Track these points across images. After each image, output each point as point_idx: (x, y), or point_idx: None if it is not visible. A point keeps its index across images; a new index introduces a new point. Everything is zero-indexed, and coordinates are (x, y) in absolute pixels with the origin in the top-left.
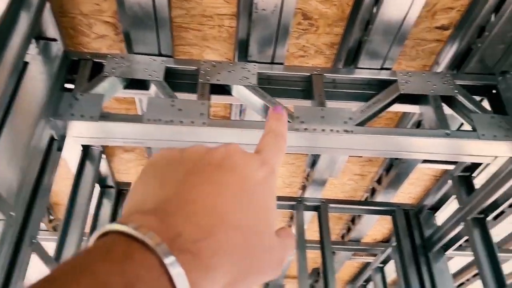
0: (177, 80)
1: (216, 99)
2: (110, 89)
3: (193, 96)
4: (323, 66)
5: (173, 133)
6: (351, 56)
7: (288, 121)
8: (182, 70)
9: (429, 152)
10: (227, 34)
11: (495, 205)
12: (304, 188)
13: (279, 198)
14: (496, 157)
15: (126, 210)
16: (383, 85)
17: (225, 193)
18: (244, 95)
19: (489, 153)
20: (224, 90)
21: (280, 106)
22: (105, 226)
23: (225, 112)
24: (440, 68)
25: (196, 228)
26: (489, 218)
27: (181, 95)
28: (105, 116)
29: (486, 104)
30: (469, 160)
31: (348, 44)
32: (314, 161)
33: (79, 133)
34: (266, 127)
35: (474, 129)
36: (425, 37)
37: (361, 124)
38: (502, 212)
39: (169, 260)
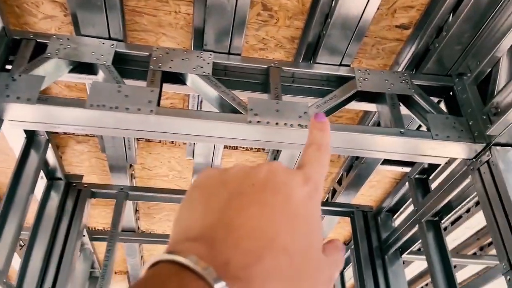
0: (128, 66)
1: (169, 88)
2: (53, 72)
3: (144, 84)
4: (283, 60)
5: (118, 121)
6: (310, 50)
7: (240, 113)
8: (133, 56)
9: (385, 151)
10: (184, 22)
11: (449, 207)
12: None
13: None
14: (449, 158)
15: (174, 236)
16: (341, 81)
17: (270, 215)
18: (198, 84)
19: (442, 153)
20: (178, 79)
21: (322, 113)
22: (156, 256)
23: (183, 105)
24: (400, 68)
25: (244, 254)
26: (446, 222)
27: (132, 82)
28: (44, 100)
29: (443, 106)
30: (423, 160)
31: (308, 39)
32: (274, 159)
33: (16, 116)
34: (309, 137)
35: (428, 129)
36: (385, 35)
37: None
38: (460, 217)
39: (218, 285)
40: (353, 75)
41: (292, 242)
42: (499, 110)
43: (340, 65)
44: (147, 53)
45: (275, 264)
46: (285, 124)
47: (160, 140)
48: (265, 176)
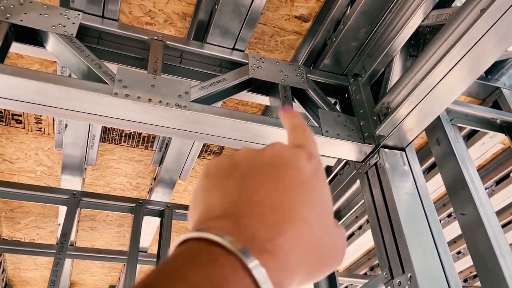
0: None
1: (23, 50)
2: None
3: None
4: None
5: None
6: (202, 29)
7: (106, 83)
8: None
9: None
10: None
11: (338, 216)
12: (151, 191)
13: (118, 199)
14: (337, 159)
15: (196, 218)
16: (235, 68)
17: (285, 189)
18: (58, 47)
19: (331, 153)
20: (35, 39)
21: (289, 105)
22: (185, 234)
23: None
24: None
25: (268, 227)
26: None
27: None
28: None
29: (338, 108)
30: None
31: (200, 15)
32: (162, 157)
33: None
34: (288, 125)
35: (319, 125)
36: (284, 26)
37: (199, 102)
38: (352, 234)
39: (251, 262)
40: (247, 61)
41: (310, 213)
42: (389, 110)
43: (234, 49)
44: None
45: (297, 235)
46: (160, 102)
47: (24, 126)
48: (272, 154)
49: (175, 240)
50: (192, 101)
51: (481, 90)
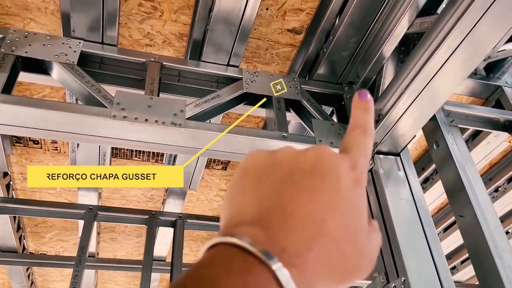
0: None
1: (31, 78)
2: None
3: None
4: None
5: None
6: (197, 48)
7: (105, 107)
8: None
9: None
10: (54, 6)
11: None
12: (164, 202)
13: (132, 211)
14: None
15: (228, 218)
16: (231, 83)
17: (320, 201)
18: (61, 75)
19: None
20: (41, 68)
21: (366, 90)
22: (217, 238)
23: (58, 96)
24: (296, 75)
25: (298, 242)
26: None
27: None
28: None
29: (335, 116)
30: None
31: (194, 35)
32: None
33: None
34: (352, 119)
35: (314, 135)
36: (278, 39)
37: (195, 119)
38: None
39: (283, 277)
40: (241, 76)
41: (339, 229)
42: (380, 116)
43: (228, 65)
44: (1, 35)
45: (324, 251)
46: (156, 121)
47: (41, 146)
48: (314, 160)
49: (206, 242)
50: (187, 118)
51: (483, 90)
